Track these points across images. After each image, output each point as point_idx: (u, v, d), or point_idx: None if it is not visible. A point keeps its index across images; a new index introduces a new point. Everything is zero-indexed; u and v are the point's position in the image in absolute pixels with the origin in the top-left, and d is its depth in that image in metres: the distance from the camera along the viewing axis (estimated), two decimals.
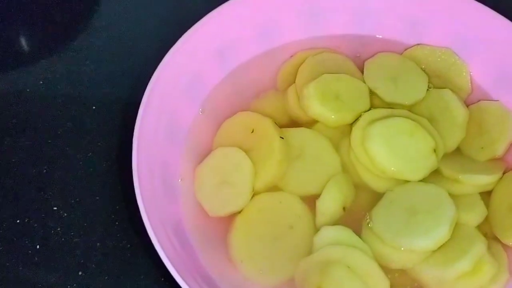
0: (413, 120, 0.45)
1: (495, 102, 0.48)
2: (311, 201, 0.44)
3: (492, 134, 0.47)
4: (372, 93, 0.48)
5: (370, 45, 0.51)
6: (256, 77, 0.51)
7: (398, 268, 0.42)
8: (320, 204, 0.43)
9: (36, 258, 0.45)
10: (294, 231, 0.43)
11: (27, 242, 0.46)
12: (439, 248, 0.41)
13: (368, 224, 0.43)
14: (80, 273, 0.45)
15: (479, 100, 0.49)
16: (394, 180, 0.44)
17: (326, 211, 0.43)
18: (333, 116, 0.46)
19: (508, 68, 0.48)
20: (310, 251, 0.42)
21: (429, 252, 0.41)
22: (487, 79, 0.49)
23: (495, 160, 0.46)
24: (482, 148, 0.46)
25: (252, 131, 0.45)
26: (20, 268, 0.45)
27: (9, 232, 0.46)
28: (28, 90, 0.53)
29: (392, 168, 0.43)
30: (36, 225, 0.47)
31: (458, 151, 0.47)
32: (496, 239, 0.43)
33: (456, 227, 0.42)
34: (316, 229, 0.43)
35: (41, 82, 0.54)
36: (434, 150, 0.44)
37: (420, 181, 0.44)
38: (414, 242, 0.41)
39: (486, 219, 0.44)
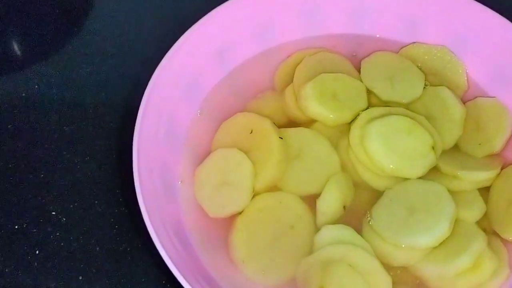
0: (411, 118, 0.45)
1: (491, 98, 0.49)
2: (311, 200, 0.44)
3: (489, 131, 0.47)
4: (369, 92, 0.49)
5: (366, 44, 0.52)
6: (253, 77, 0.51)
7: (399, 266, 0.42)
8: (321, 203, 0.43)
9: (35, 264, 0.45)
10: (295, 230, 0.43)
11: (25, 247, 0.45)
12: (440, 244, 0.41)
13: (368, 222, 0.43)
14: (80, 277, 0.44)
15: (475, 97, 0.49)
16: (393, 178, 0.44)
17: (326, 210, 0.43)
18: (331, 116, 0.46)
19: (504, 64, 0.48)
20: (311, 251, 0.42)
21: (430, 249, 0.41)
22: (483, 76, 0.50)
23: (493, 156, 0.47)
24: (479, 144, 0.47)
25: (251, 132, 0.45)
26: (19, 274, 0.44)
27: (7, 238, 0.46)
28: (23, 94, 0.53)
29: (391, 166, 0.44)
30: (34, 230, 0.46)
31: (456, 148, 0.47)
32: (495, 234, 0.43)
33: (456, 223, 0.42)
34: (317, 229, 0.43)
35: (37, 86, 0.53)
36: (432, 148, 0.44)
37: (419, 178, 0.44)
38: (414, 240, 0.41)
39: (485, 215, 0.44)
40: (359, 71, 0.50)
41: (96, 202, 0.47)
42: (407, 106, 0.48)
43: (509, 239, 0.43)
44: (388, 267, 0.41)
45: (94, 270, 0.44)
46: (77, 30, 0.57)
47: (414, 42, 0.52)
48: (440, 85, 0.49)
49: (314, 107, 0.46)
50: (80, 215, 0.47)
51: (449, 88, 0.48)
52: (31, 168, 0.49)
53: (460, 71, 0.50)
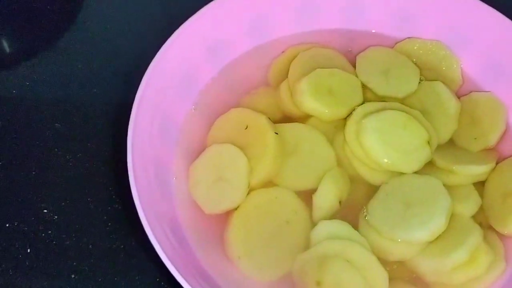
0: (406, 112, 0.45)
1: (486, 93, 0.49)
2: (307, 195, 0.44)
3: (484, 125, 0.47)
4: (364, 87, 0.49)
5: (361, 39, 0.52)
6: (247, 73, 0.50)
7: (396, 260, 0.42)
8: (317, 198, 0.43)
9: (27, 263, 0.44)
10: (291, 226, 0.43)
11: (17, 246, 0.45)
12: (436, 239, 0.41)
13: (365, 217, 0.43)
14: (73, 276, 0.44)
15: (470, 92, 0.49)
16: (389, 173, 0.44)
17: (322, 205, 0.43)
18: (327, 111, 0.46)
19: (499, 59, 0.48)
20: (307, 246, 0.42)
21: (426, 243, 0.41)
22: (477, 70, 0.50)
23: (488, 150, 0.47)
24: (475, 138, 0.47)
25: (246, 127, 0.45)
26: (11, 273, 0.44)
27: None
28: (14, 91, 0.52)
29: (387, 161, 0.44)
30: (26, 228, 0.46)
31: (451, 142, 0.47)
32: (491, 228, 0.44)
33: (452, 217, 0.42)
34: (313, 224, 0.42)
35: (28, 84, 0.53)
36: (428, 142, 0.45)
37: (415, 173, 0.44)
38: (411, 234, 0.41)
39: (481, 209, 0.44)
40: (354, 66, 0.50)
41: (89, 199, 0.47)
42: (402, 101, 0.48)
43: (505, 233, 0.43)
44: (384, 261, 0.41)
45: (87, 268, 0.44)
46: (69, 26, 0.56)
47: (409, 37, 0.52)
48: (435, 80, 0.49)
49: (310, 103, 0.46)
50: (73, 213, 0.46)
51: (444, 82, 0.48)
52: (22, 165, 0.48)
53: (455, 66, 0.50)
